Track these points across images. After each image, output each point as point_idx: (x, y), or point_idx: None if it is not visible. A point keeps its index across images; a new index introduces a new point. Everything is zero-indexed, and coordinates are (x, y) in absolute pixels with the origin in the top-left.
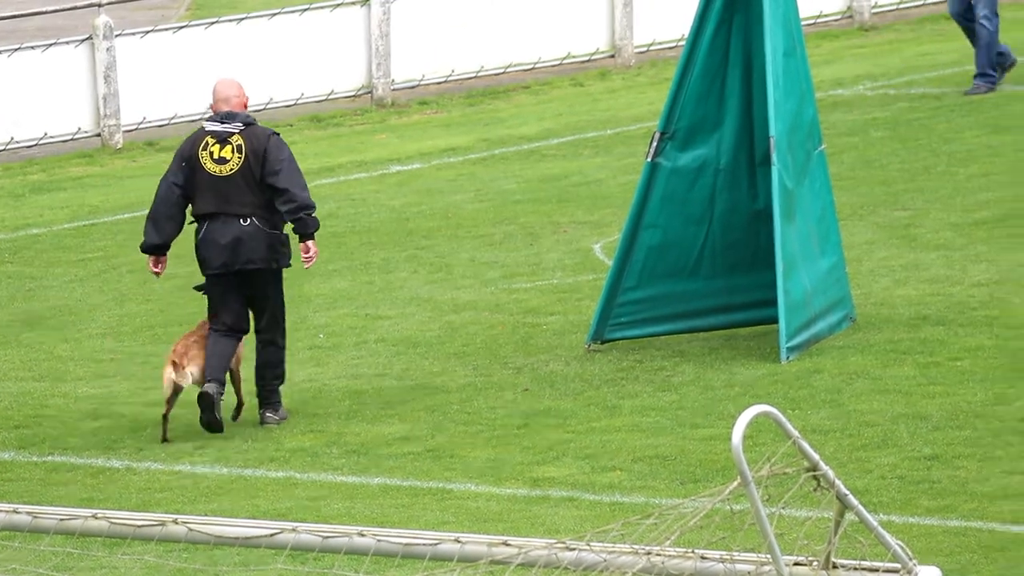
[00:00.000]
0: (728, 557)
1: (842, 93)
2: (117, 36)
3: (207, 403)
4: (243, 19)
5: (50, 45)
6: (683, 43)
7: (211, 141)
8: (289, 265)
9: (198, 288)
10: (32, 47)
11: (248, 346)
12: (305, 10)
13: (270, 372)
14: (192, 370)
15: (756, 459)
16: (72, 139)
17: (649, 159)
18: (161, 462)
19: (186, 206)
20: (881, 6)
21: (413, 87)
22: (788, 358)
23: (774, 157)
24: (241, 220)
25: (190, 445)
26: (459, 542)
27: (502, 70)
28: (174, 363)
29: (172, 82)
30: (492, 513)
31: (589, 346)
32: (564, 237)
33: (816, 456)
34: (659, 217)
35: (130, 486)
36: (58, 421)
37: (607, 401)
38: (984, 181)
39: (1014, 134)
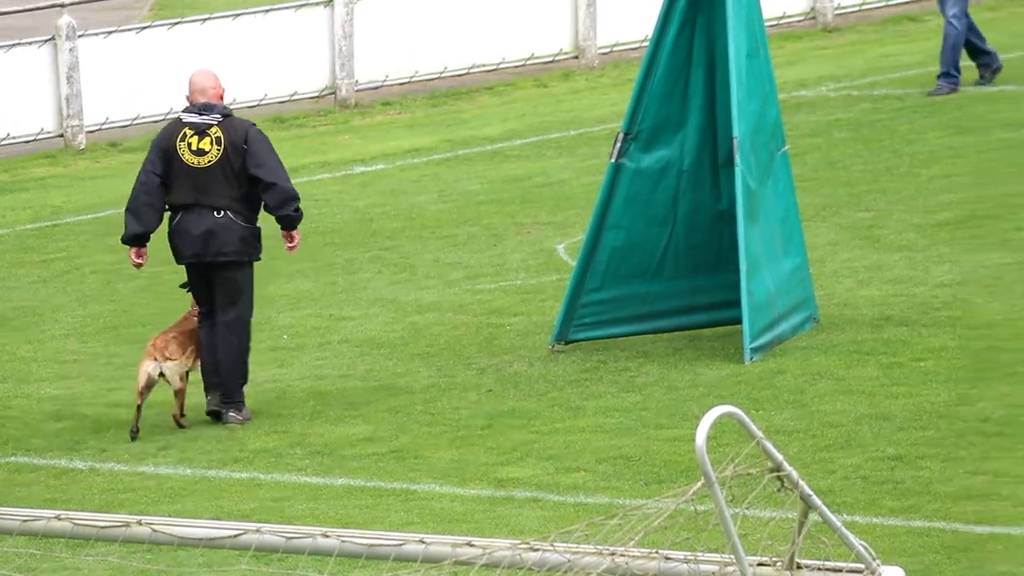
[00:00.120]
0: (692, 558)
1: (805, 94)
2: (80, 36)
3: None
4: (207, 19)
5: (13, 45)
6: (647, 44)
7: (189, 132)
8: (259, 259)
9: (184, 286)
10: None
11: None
12: (269, 11)
13: (234, 370)
14: (168, 367)
15: (720, 460)
16: (35, 140)
17: (613, 160)
18: (124, 463)
19: (165, 195)
20: (844, 7)
21: (376, 88)
22: (752, 359)
23: (737, 158)
24: (215, 212)
25: (153, 446)
26: (423, 543)
27: (466, 71)
28: (151, 357)
29: (135, 83)
30: (456, 514)
31: (553, 347)
32: (528, 238)
33: (780, 457)
34: (623, 218)
35: (93, 487)
36: (21, 422)
37: (571, 402)
38: (947, 182)
39: (976, 135)
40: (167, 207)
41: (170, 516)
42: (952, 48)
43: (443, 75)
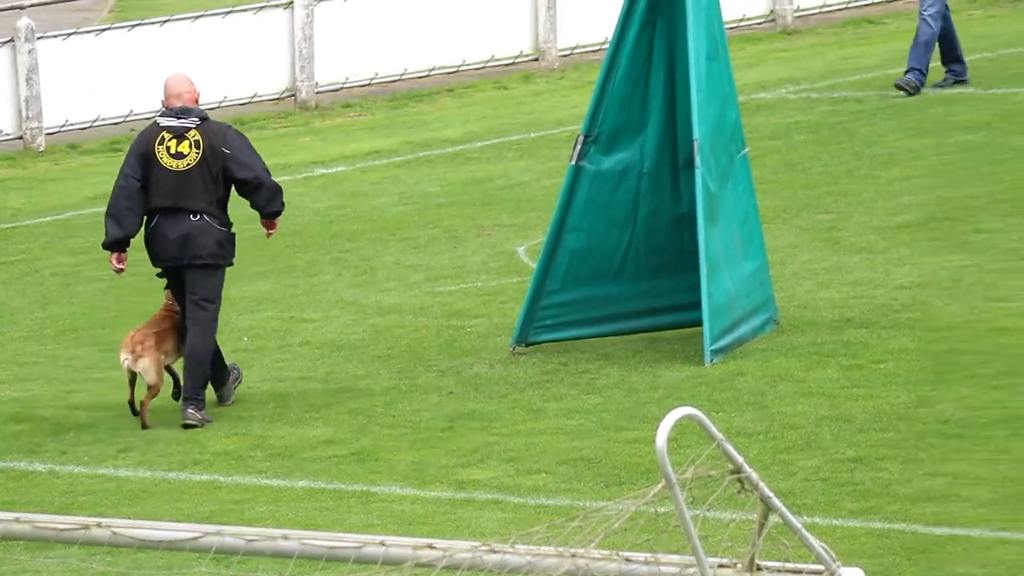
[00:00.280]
0: (653, 559)
1: (765, 96)
2: (39, 38)
3: (191, 428)
4: (166, 21)
5: None
6: (607, 46)
7: (167, 136)
8: (232, 264)
9: (161, 275)
10: None
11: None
12: (228, 13)
13: (195, 370)
14: (143, 361)
15: (680, 461)
16: None
17: (573, 162)
18: (84, 465)
19: (145, 199)
20: (804, 10)
21: (337, 90)
22: (712, 361)
23: (697, 160)
24: (192, 216)
25: (113, 449)
26: (384, 545)
27: (426, 73)
28: (126, 351)
29: (95, 84)
30: (417, 516)
31: (514, 349)
32: (488, 240)
33: (740, 458)
34: (583, 220)
35: (53, 489)
36: None
37: (532, 404)
38: (906, 184)
39: (935, 137)
40: (146, 210)
41: (130, 518)
42: (924, 45)
43: (403, 77)
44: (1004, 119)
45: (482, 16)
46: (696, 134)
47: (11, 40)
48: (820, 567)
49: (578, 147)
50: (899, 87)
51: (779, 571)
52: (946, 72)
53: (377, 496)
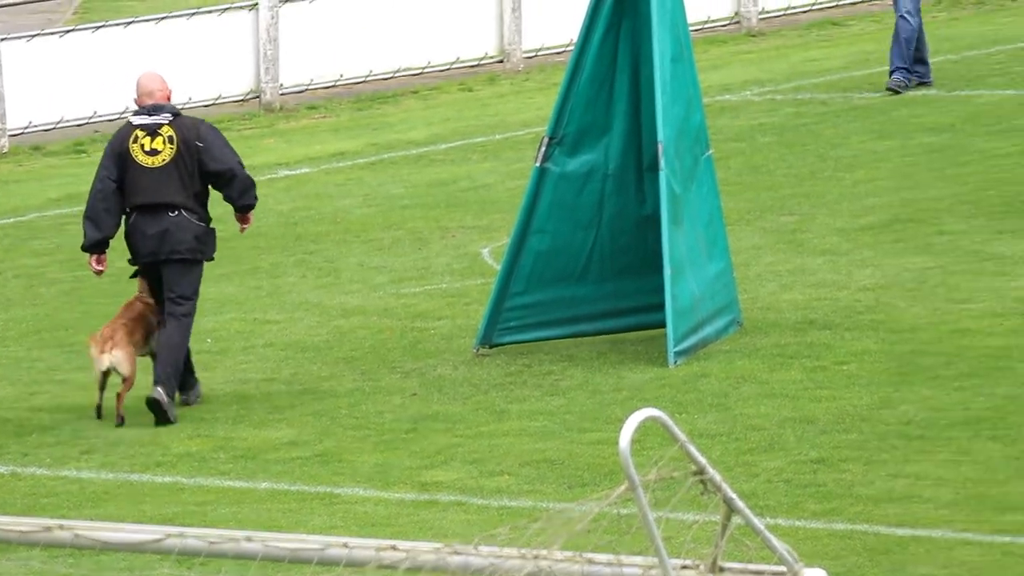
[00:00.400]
0: (616, 561)
1: (729, 98)
2: (2, 40)
3: (156, 409)
4: (130, 23)
5: None
6: (572, 48)
7: (141, 134)
8: (212, 258)
9: (135, 275)
10: None
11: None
12: (193, 14)
13: (171, 356)
14: (114, 354)
15: (644, 463)
16: None
17: (538, 164)
18: (46, 467)
19: (122, 199)
20: (768, 12)
21: (301, 92)
22: (675, 362)
23: (662, 162)
24: (170, 212)
25: (75, 450)
26: (347, 547)
27: (391, 75)
28: (97, 348)
29: (59, 86)
30: (380, 517)
31: (477, 350)
32: (452, 242)
33: (703, 460)
34: (547, 222)
35: (15, 491)
36: None
37: (495, 405)
38: (870, 186)
39: (899, 139)
40: (124, 209)
41: (92, 520)
42: (906, 42)
43: (368, 79)
44: (968, 121)
45: (447, 18)
46: (661, 136)
47: None
48: (783, 568)
49: (543, 149)
50: (891, 89)
51: (742, 572)
52: (910, 74)
53: (340, 498)
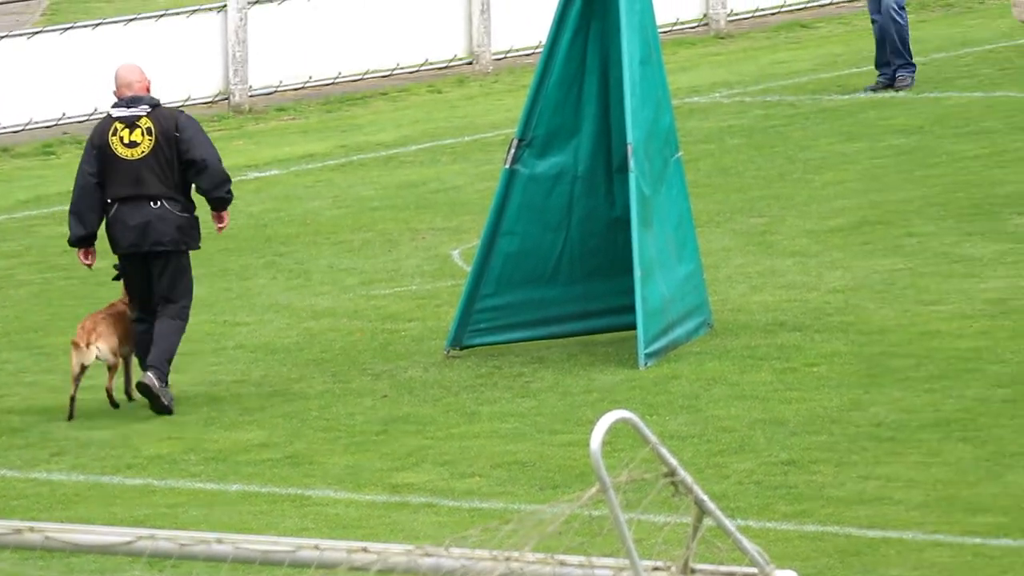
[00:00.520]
0: (587, 562)
1: (698, 100)
2: None
3: (148, 394)
4: (99, 24)
5: None
6: (540, 50)
7: (120, 126)
8: (198, 247)
9: (117, 277)
10: None
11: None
12: (161, 16)
13: (165, 343)
14: (99, 346)
15: (615, 465)
16: None
17: (507, 166)
18: (17, 469)
19: (103, 193)
20: (737, 14)
21: (270, 93)
22: (646, 364)
23: (631, 164)
24: (152, 203)
25: (46, 452)
26: (318, 549)
27: (360, 76)
28: (76, 343)
29: (27, 88)
30: (351, 519)
31: (448, 352)
32: (422, 244)
33: (674, 462)
34: (517, 224)
35: None
36: None
37: (466, 407)
38: (839, 188)
39: (868, 141)
40: (107, 201)
41: (63, 523)
42: (901, 41)
43: (337, 80)
44: (936, 123)
45: (416, 19)
46: (630, 138)
47: None
48: (754, 570)
49: (512, 151)
50: (898, 89)
51: (713, 574)
52: (878, 78)
53: (311, 500)
